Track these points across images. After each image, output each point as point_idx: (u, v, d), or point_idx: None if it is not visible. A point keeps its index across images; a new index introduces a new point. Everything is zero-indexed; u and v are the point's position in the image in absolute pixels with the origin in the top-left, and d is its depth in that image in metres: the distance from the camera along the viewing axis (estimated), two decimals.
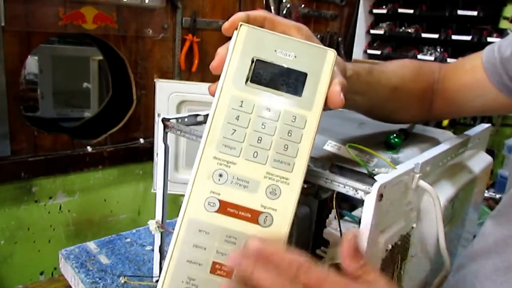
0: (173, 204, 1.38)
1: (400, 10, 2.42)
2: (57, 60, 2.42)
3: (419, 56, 2.39)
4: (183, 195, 0.40)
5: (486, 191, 1.92)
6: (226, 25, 0.43)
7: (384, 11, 2.49)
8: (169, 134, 0.65)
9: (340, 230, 0.52)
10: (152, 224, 0.69)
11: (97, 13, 1.74)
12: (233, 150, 0.40)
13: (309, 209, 0.59)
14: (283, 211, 0.39)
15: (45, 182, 1.78)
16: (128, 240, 0.91)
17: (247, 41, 0.41)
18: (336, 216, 0.52)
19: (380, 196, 0.43)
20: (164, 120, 0.63)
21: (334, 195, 0.51)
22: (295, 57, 0.41)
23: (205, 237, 0.38)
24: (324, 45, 0.43)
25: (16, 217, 1.74)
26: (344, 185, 0.46)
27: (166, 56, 2.02)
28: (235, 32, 0.42)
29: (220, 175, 0.39)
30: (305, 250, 0.59)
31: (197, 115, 0.68)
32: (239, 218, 0.39)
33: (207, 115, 0.69)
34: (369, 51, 2.60)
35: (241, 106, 0.40)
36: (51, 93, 2.45)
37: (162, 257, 0.72)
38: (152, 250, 0.87)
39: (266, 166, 0.39)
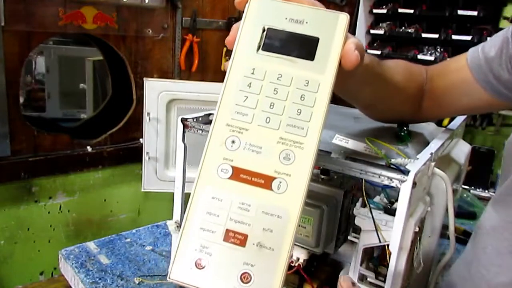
0: (169, 202, 1.41)
1: (400, 10, 2.41)
2: (63, 60, 2.42)
3: (419, 56, 2.39)
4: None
5: (486, 191, 1.92)
6: None
7: (384, 11, 2.49)
8: (147, 130, 0.66)
9: (372, 216, 0.55)
10: (171, 225, 0.70)
11: (97, 13, 1.74)
12: (245, 116, 0.39)
13: (336, 200, 0.63)
14: (298, 176, 0.38)
15: (45, 182, 1.78)
16: (128, 240, 0.91)
17: (258, 11, 0.41)
18: (367, 204, 0.56)
19: (414, 184, 0.48)
20: (183, 120, 0.65)
21: (363, 185, 0.55)
22: (306, 23, 0.41)
23: (218, 204, 0.38)
24: None
25: (16, 217, 1.74)
26: (379, 175, 0.50)
27: (166, 56, 2.02)
28: (247, 4, 0.42)
29: (233, 142, 0.39)
30: (333, 236, 0.64)
31: (210, 114, 0.69)
32: (252, 184, 0.38)
33: None
34: (369, 51, 2.60)
35: (253, 73, 0.40)
36: (57, 93, 2.46)
37: None
38: (152, 250, 0.87)
39: (279, 131, 0.39)
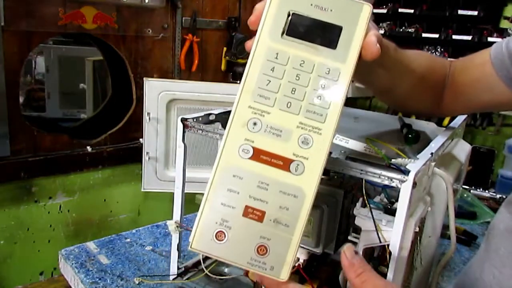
0: (169, 202, 1.41)
1: (400, 10, 2.41)
2: (63, 60, 2.42)
3: None
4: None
5: (486, 191, 1.92)
6: None
7: (384, 11, 2.49)
8: (147, 130, 0.67)
9: (373, 217, 0.55)
10: (171, 225, 0.70)
11: (97, 13, 1.74)
12: (267, 100, 0.41)
13: (336, 200, 0.63)
14: (314, 160, 0.40)
15: (45, 182, 1.78)
16: (128, 240, 0.91)
17: None
18: (367, 204, 0.56)
19: (415, 184, 0.48)
20: (183, 120, 0.65)
21: (364, 185, 0.55)
22: (331, 10, 0.42)
23: (238, 182, 0.40)
24: None
25: (15, 217, 1.74)
26: (379, 175, 0.50)
27: (166, 56, 2.02)
28: None
29: (255, 124, 0.40)
30: (334, 236, 0.64)
31: (210, 114, 0.69)
32: (272, 165, 0.40)
33: (220, 113, 0.70)
34: None
35: (276, 58, 0.41)
36: (57, 93, 2.45)
37: (179, 256, 0.73)
38: (152, 250, 0.87)
39: (299, 116, 0.41)
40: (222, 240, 0.40)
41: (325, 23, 0.42)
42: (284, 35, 0.42)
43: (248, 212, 0.40)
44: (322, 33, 0.42)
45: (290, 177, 0.40)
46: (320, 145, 0.40)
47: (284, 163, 0.40)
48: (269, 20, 0.42)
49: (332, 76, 0.41)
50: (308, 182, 0.40)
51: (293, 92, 0.41)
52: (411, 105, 0.69)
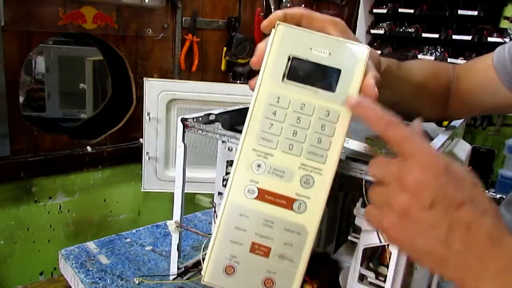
0: (169, 202, 1.39)
1: (400, 10, 2.41)
2: (63, 60, 2.42)
3: (419, 56, 2.39)
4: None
5: (487, 191, 1.91)
6: (264, 23, 0.45)
7: (384, 11, 2.49)
8: (147, 130, 0.66)
9: None
10: (171, 225, 0.70)
11: (97, 13, 1.74)
12: (270, 142, 0.43)
13: (336, 200, 0.64)
14: (316, 199, 0.43)
15: (45, 182, 1.78)
16: (128, 240, 0.91)
17: (284, 40, 0.44)
18: (367, 204, 0.55)
19: None
20: (183, 120, 0.66)
21: (364, 186, 0.55)
22: (330, 54, 0.43)
23: (245, 221, 0.43)
24: None
25: (15, 217, 1.74)
26: None
27: (166, 56, 2.02)
28: (273, 30, 0.44)
29: (259, 166, 0.43)
30: (334, 236, 0.65)
31: (210, 114, 0.69)
32: (276, 204, 0.43)
33: (220, 113, 0.71)
34: None
35: (278, 101, 0.43)
36: (57, 93, 2.45)
37: (179, 256, 0.73)
38: (152, 250, 0.87)
39: (301, 157, 0.43)
40: (232, 274, 0.43)
41: (324, 66, 0.43)
42: (285, 79, 0.43)
43: (255, 248, 0.43)
44: (322, 77, 0.43)
45: (293, 216, 0.42)
46: (321, 185, 0.43)
47: (288, 202, 0.43)
48: (270, 63, 0.43)
49: (331, 118, 0.43)
50: (310, 219, 0.43)
51: (294, 134, 0.43)
52: (418, 114, 0.70)
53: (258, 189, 0.43)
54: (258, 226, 0.42)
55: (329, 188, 0.43)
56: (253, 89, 0.44)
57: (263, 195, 0.43)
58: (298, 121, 0.43)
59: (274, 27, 0.44)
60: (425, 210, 0.35)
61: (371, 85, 0.43)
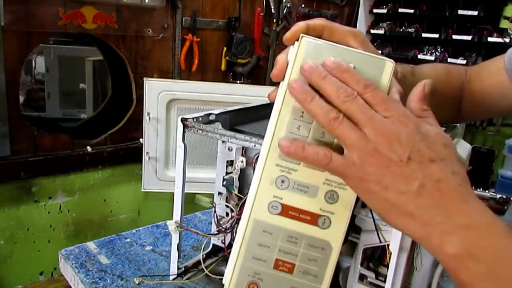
0: (169, 202, 1.38)
1: (400, 10, 2.41)
2: (63, 60, 2.42)
3: (420, 56, 2.39)
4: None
5: (486, 191, 1.92)
6: (288, 35, 0.44)
7: (384, 11, 2.49)
8: (147, 130, 0.66)
9: (373, 216, 0.55)
10: (171, 225, 0.70)
11: (97, 13, 1.74)
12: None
13: None
14: (340, 214, 0.42)
15: (45, 182, 1.78)
16: (128, 240, 0.91)
17: (307, 53, 0.42)
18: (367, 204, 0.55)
19: None
20: (183, 120, 0.66)
21: None
22: (354, 68, 0.42)
23: (269, 237, 0.42)
24: None
25: (15, 217, 1.74)
26: None
27: (166, 56, 2.02)
28: (296, 43, 0.43)
29: (282, 181, 0.42)
30: None
31: (210, 114, 0.69)
32: (300, 220, 0.42)
33: (220, 113, 0.71)
34: None
35: (302, 116, 0.42)
36: (57, 93, 2.45)
37: (179, 256, 0.73)
38: (152, 250, 0.87)
39: (325, 172, 0.42)
40: None
41: None
42: None
43: (279, 264, 0.42)
44: None
45: (318, 231, 0.42)
46: (345, 200, 0.42)
47: (312, 218, 0.42)
48: (294, 77, 0.42)
49: None
50: (334, 235, 0.42)
51: None
52: None
53: (282, 205, 0.42)
54: (282, 243, 0.42)
55: (353, 203, 0.42)
56: (272, 101, 0.43)
57: (287, 211, 0.42)
58: (323, 135, 0.42)
59: (297, 40, 0.43)
60: (403, 163, 0.36)
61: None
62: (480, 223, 0.36)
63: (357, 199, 0.62)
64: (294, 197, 0.42)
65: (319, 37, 0.44)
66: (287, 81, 0.42)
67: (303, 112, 0.42)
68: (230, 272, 0.42)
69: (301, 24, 0.44)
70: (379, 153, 0.37)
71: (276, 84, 0.44)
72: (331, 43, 0.43)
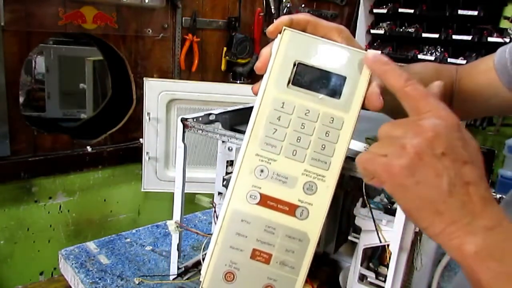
0: (169, 202, 1.38)
1: (400, 10, 2.41)
2: (63, 60, 2.42)
3: (420, 56, 2.39)
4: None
5: None
6: (270, 28, 0.44)
7: (384, 10, 2.49)
8: (147, 130, 0.66)
9: (373, 217, 0.55)
10: (171, 225, 0.70)
11: (97, 13, 1.74)
12: (274, 148, 0.43)
13: (336, 200, 0.63)
14: (319, 206, 0.42)
15: (45, 182, 1.78)
16: (128, 240, 0.91)
17: (289, 45, 0.43)
18: (367, 204, 0.56)
19: None
20: (183, 120, 0.66)
21: (364, 185, 0.55)
22: (335, 61, 0.43)
23: (246, 226, 0.42)
24: None
25: (16, 217, 1.74)
26: None
27: (166, 56, 2.02)
28: (279, 35, 0.43)
29: (262, 171, 0.42)
30: (334, 236, 0.65)
31: (210, 114, 0.69)
32: (278, 210, 0.42)
33: (220, 113, 0.71)
34: None
35: (282, 107, 0.43)
36: (57, 93, 2.45)
37: (179, 256, 0.73)
38: (152, 250, 0.87)
39: (304, 164, 0.42)
40: (231, 280, 0.42)
41: (329, 73, 0.43)
42: (290, 84, 0.43)
43: (256, 254, 0.42)
44: (327, 83, 0.43)
45: (296, 222, 0.42)
46: (324, 192, 0.42)
47: (290, 209, 0.42)
48: (275, 69, 0.43)
49: (336, 125, 0.43)
50: (312, 226, 0.42)
51: (298, 140, 0.43)
52: None
53: (261, 194, 0.42)
54: (259, 232, 0.42)
55: (332, 195, 0.42)
56: (256, 94, 0.44)
57: (265, 201, 0.42)
58: (303, 127, 0.42)
59: (280, 33, 0.43)
60: (436, 157, 0.36)
61: (376, 94, 0.43)
62: (502, 225, 0.36)
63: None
64: (273, 187, 0.42)
65: (303, 31, 0.44)
66: (269, 73, 0.43)
67: (283, 103, 0.43)
68: (208, 260, 0.43)
69: (284, 18, 0.45)
70: (416, 145, 0.37)
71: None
72: (313, 36, 0.44)
